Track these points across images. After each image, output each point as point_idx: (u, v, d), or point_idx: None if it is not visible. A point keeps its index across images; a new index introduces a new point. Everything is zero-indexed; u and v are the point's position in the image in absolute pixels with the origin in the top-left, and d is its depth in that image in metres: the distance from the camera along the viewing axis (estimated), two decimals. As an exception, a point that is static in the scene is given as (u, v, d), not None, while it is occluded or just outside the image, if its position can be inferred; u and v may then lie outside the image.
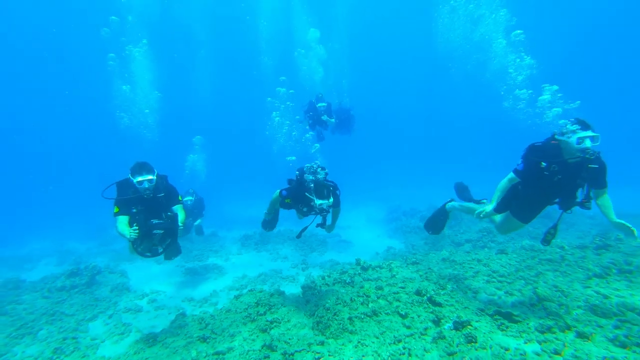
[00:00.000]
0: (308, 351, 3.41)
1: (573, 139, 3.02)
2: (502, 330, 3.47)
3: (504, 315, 3.66)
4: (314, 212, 4.19)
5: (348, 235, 12.25)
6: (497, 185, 3.57)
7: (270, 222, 5.08)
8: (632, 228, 3.02)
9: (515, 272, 5.18)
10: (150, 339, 4.16)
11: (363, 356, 3.23)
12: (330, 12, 20.27)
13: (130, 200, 4.08)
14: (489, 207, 3.64)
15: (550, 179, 3.18)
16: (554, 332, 3.22)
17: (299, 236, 4.72)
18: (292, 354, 3.35)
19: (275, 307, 4.51)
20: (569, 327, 3.25)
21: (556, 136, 3.18)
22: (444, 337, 3.29)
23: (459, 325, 3.45)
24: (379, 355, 3.21)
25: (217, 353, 3.47)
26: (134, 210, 4.10)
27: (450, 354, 3.02)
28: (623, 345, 2.90)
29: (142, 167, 4.11)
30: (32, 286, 6.94)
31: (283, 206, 4.51)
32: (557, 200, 3.41)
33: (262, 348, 3.55)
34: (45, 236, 14.11)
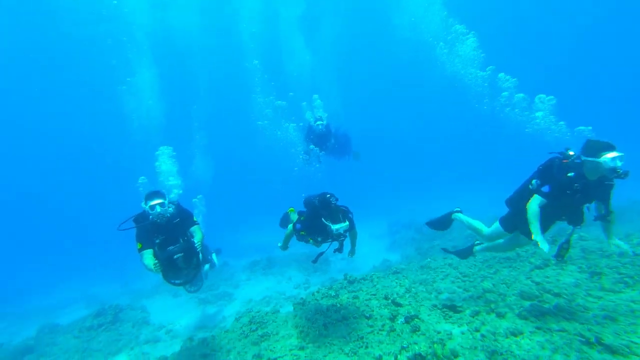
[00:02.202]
0: (289, 356, 4.20)
1: (605, 159, 3.04)
2: (446, 319, 4.20)
3: (450, 308, 4.40)
4: (330, 239, 4.19)
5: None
6: (531, 215, 3.40)
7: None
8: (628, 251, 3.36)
9: (478, 271, 5.87)
10: None
11: (330, 352, 4.00)
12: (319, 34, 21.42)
13: (149, 231, 4.19)
14: (538, 237, 3.30)
15: (572, 197, 3.26)
16: (481, 315, 3.94)
17: (315, 261, 4.71)
18: (275, 359, 4.14)
19: (267, 324, 5.32)
20: (492, 310, 3.96)
21: (582, 157, 3.21)
22: (394, 330, 4.06)
23: (408, 319, 4.21)
24: (342, 351, 3.98)
25: None
26: (157, 241, 4.22)
27: (396, 341, 3.77)
28: (524, 318, 3.61)
29: (153, 194, 4.31)
30: (64, 329, 7.93)
31: (299, 239, 4.53)
32: (564, 217, 3.53)
33: (252, 358, 4.35)
34: (71, 283, 15.29)
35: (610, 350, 2.88)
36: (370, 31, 23.74)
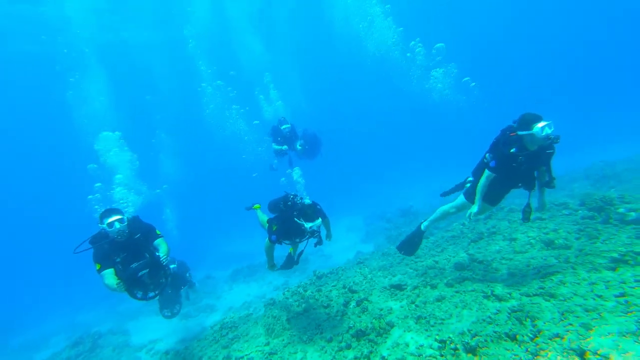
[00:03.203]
0: (254, 352, 4.59)
1: (536, 129, 3.31)
2: (392, 297, 4.71)
3: (397, 287, 4.93)
4: (306, 237, 4.25)
5: (328, 248, 13.42)
6: (478, 187, 3.85)
7: (286, 263, 4.85)
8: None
9: (428, 251, 6.44)
10: None
11: (289, 343, 4.42)
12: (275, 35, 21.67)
13: (108, 250, 4.00)
14: (475, 208, 3.87)
15: (518, 169, 3.57)
16: (419, 289, 4.48)
17: (297, 262, 4.75)
18: (243, 357, 4.53)
19: (238, 327, 5.69)
20: (428, 284, 4.50)
21: (518, 132, 3.47)
22: (346, 314, 4.53)
23: (359, 302, 4.71)
24: (301, 340, 4.41)
25: None
26: (118, 260, 4.03)
27: (345, 323, 4.24)
28: (450, 286, 4.18)
29: (109, 211, 4.10)
30: (45, 363, 7.98)
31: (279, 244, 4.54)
32: (520, 184, 3.84)
33: (222, 359, 4.71)
34: (57, 313, 14.97)
35: (498, 298, 3.47)
36: (316, 27, 24.17)
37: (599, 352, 2.17)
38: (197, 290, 9.50)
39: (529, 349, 2.53)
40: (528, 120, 3.43)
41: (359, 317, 4.36)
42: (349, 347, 3.82)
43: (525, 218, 3.82)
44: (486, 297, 3.66)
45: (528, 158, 3.52)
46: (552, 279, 3.44)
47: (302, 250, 4.66)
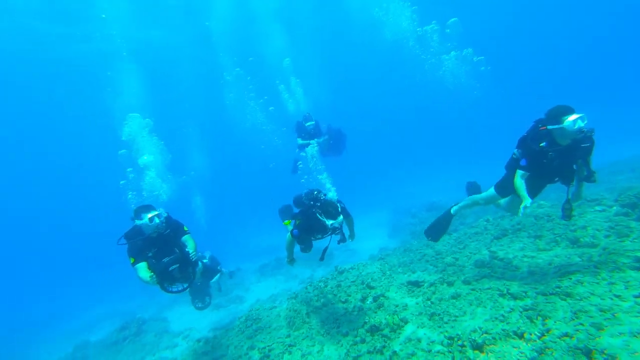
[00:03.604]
0: (276, 344, 4.87)
1: (567, 123, 3.15)
2: (410, 294, 4.78)
3: (414, 284, 4.98)
4: (328, 234, 4.30)
5: (353, 244, 13.55)
6: (517, 188, 3.62)
7: (304, 248, 4.88)
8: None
9: (450, 248, 6.38)
10: None
11: (307, 336, 4.66)
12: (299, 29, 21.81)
13: (142, 245, 4.22)
14: (527, 202, 3.47)
15: (550, 165, 3.41)
16: (435, 286, 4.51)
17: (322, 258, 4.71)
18: (265, 347, 4.83)
19: (262, 319, 6.02)
20: (445, 281, 4.51)
21: (548, 127, 3.31)
22: (362, 309, 4.67)
23: (376, 298, 4.84)
24: (319, 333, 4.63)
25: (213, 359, 5.03)
26: (150, 254, 4.24)
27: (361, 318, 4.39)
28: (467, 283, 4.16)
29: (146, 207, 4.29)
30: (95, 344, 8.89)
31: (300, 243, 4.62)
32: (556, 179, 3.65)
33: (247, 350, 5.05)
34: (104, 300, 16.46)
35: (513, 296, 3.43)
36: (345, 23, 23.95)
37: (605, 352, 2.15)
38: (233, 276, 9.93)
39: (534, 347, 2.53)
40: (558, 113, 3.25)
41: (375, 312, 4.49)
42: (363, 341, 3.97)
43: (566, 215, 3.59)
44: (502, 295, 3.63)
45: (560, 153, 3.34)
46: (570, 278, 3.35)
47: (327, 247, 4.63)
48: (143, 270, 4.12)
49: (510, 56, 30.78)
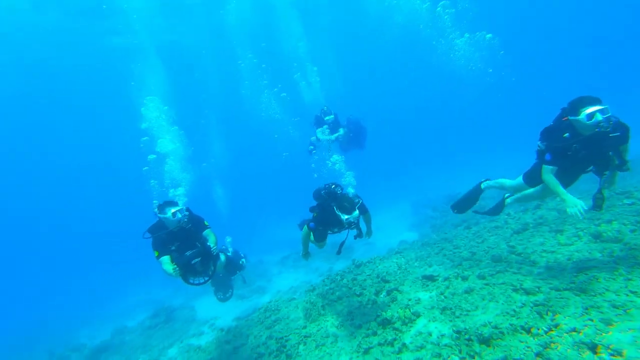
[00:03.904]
0: (293, 334, 5.08)
1: (582, 116, 3.06)
2: (424, 288, 4.82)
3: (429, 278, 5.01)
4: (345, 229, 4.34)
5: (373, 236, 13.62)
6: (550, 187, 3.49)
7: (319, 242, 4.93)
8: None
9: (468, 242, 6.30)
10: (198, 349, 6.20)
11: (322, 327, 4.83)
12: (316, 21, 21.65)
13: (165, 239, 4.40)
14: (574, 202, 3.26)
15: (575, 157, 3.26)
16: (449, 281, 4.52)
17: (339, 252, 4.76)
18: (282, 338, 5.05)
19: (280, 310, 6.26)
20: (459, 275, 4.51)
21: (569, 117, 3.22)
22: (376, 302, 4.77)
23: (389, 292, 4.93)
24: (333, 325, 4.79)
25: (235, 347, 5.33)
26: (173, 248, 4.41)
27: (374, 311, 4.49)
28: (482, 278, 4.14)
29: (169, 203, 4.51)
30: (130, 329, 9.60)
31: (317, 237, 4.66)
32: (590, 168, 3.51)
33: (266, 339, 5.30)
34: (137, 288, 17.56)
35: (526, 292, 3.40)
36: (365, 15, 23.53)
37: (611, 347, 2.13)
38: (252, 268, 10.11)
39: (540, 342, 2.53)
40: (577, 104, 3.14)
41: (388, 306, 4.57)
42: (375, 334, 4.08)
43: (597, 206, 3.45)
44: (515, 290, 3.61)
45: (585, 144, 3.20)
46: (587, 274, 3.28)
47: (344, 241, 4.67)
48: (167, 263, 4.29)
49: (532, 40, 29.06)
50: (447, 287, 4.38)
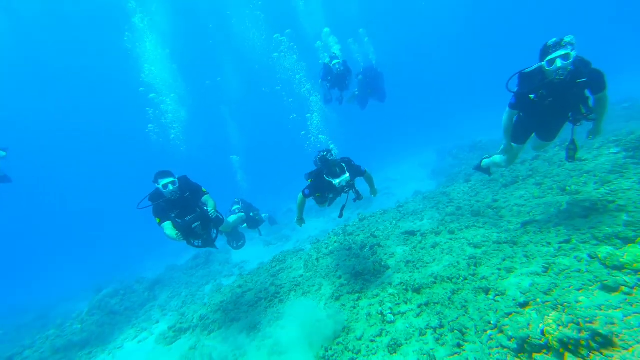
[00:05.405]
0: (289, 282, 5.97)
1: (544, 62, 3.03)
2: (404, 243, 5.37)
3: (410, 233, 5.54)
4: (340, 193, 4.47)
5: (394, 186, 14.00)
6: (503, 127, 3.56)
7: (321, 204, 5.01)
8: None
9: (463, 196, 6.52)
10: (219, 290, 7.50)
11: (314, 276, 5.65)
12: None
13: (164, 207, 4.59)
14: (506, 143, 3.48)
15: (542, 104, 3.19)
16: (426, 235, 4.97)
17: (340, 216, 4.97)
18: (280, 285, 5.96)
19: (285, 261, 7.21)
20: (434, 230, 4.92)
21: (538, 62, 3.15)
22: (358, 256, 5.44)
23: (372, 247, 5.56)
24: (321, 275, 5.58)
25: (243, 291, 6.43)
26: (173, 215, 4.61)
27: (359, 264, 5.16)
28: (452, 232, 4.64)
29: (162, 174, 4.59)
30: (179, 268, 11.54)
31: (318, 201, 4.81)
32: (569, 115, 3.35)
33: (269, 285, 6.29)
34: None
35: (475, 245, 3.81)
36: None
37: (498, 289, 2.57)
38: (275, 223, 11.29)
39: (454, 288, 3.02)
40: (544, 50, 3.04)
41: (367, 259, 5.19)
42: (348, 283, 4.77)
43: (570, 157, 3.43)
44: (469, 244, 3.97)
45: (553, 91, 3.11)
46: (526, 228, 3.52)
47: (344, 205, 4.85)
48: (169, 228, 4.54)
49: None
50: (420, 242, 4.85)
